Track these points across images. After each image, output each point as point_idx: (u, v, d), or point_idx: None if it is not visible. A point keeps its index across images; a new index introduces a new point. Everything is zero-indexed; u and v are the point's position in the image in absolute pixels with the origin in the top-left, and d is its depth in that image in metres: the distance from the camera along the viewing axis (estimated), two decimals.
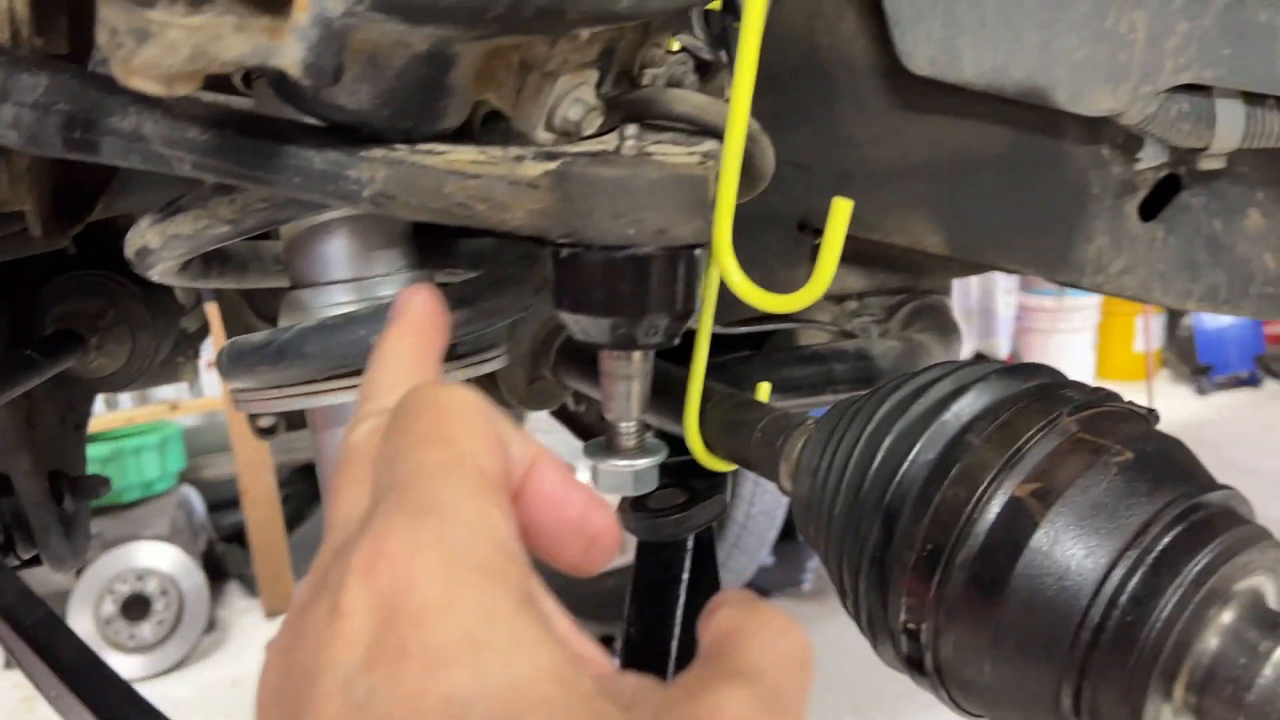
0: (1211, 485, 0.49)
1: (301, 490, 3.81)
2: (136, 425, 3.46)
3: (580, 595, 2.89)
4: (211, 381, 3.57)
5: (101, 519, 3.06)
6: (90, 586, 2.91)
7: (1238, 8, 0.85)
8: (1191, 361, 4.53)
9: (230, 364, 0.61)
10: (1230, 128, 0.90)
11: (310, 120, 0.49)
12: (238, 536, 3.52)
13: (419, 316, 0.42)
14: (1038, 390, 0.53)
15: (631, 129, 0.47)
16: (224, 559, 3.49)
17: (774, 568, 3.11)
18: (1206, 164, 0.95)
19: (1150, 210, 1.01)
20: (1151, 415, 0.55)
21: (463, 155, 0.47)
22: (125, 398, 3.52)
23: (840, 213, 0.50)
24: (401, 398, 0.34)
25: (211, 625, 3.17)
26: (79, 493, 0.99)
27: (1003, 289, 4.21)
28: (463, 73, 0.48)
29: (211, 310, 1.26)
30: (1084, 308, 4.34)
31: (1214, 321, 4.49)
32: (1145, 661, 0.45)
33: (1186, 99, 0.89)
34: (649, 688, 0.28)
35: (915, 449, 0.53)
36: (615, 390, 0.55)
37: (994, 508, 0.49)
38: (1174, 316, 4.65)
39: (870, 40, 0.91)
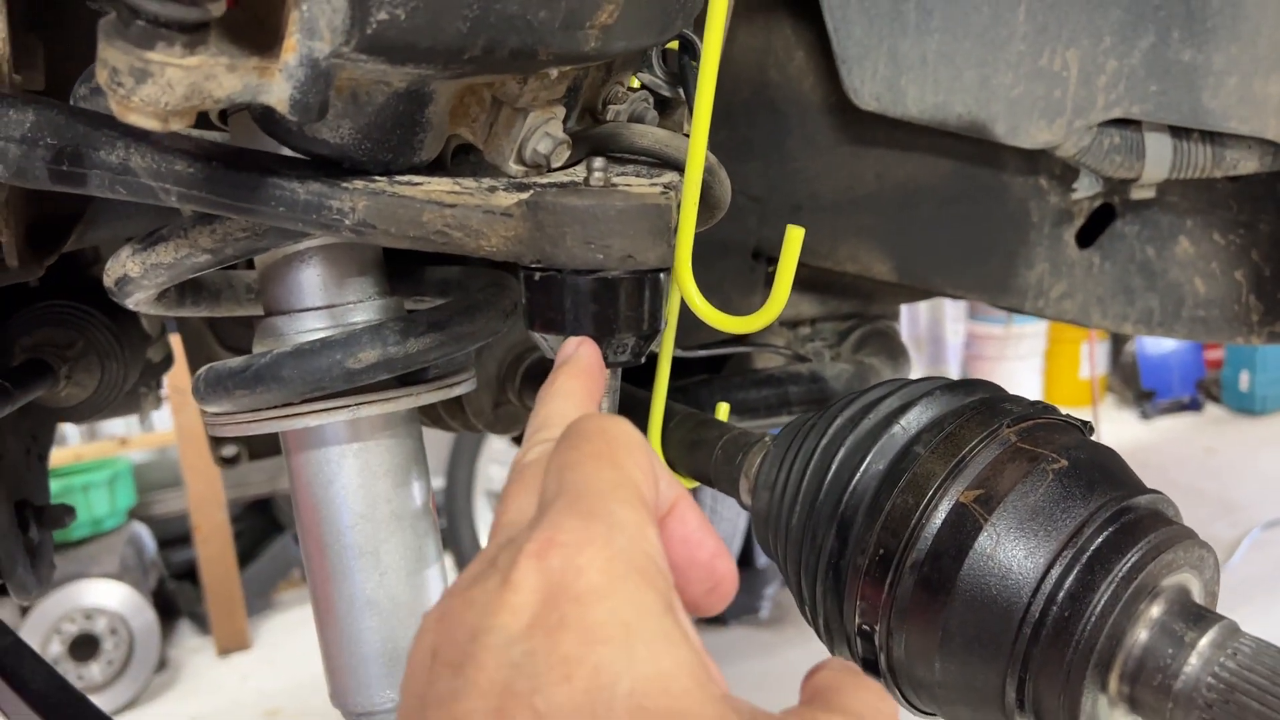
0: (1141, 489, 0.53)
1: (254, 526, 3.77)
2: (85, 462, 3.41)
3: None
4: (162, 416, 3.52)
5: None
6: (37, 626, 2.85)
7: (1162, 48, 0.91)
8: (1135, 387, 4.64)
9: (207, 388, 0.63)
10: (1158, 159, 0.95)
11: (293, 154, 0.52)
12: (189, 573, 3.48)
13: (585, 363, 0.47)
14: (980, 404, 0.56)
15: (599, 161, 0.51)
16: (175, 596, 3.44)
17: None
18: (1138, 194, 1.00)
19: (1087, 238, 1.07)
20: (1086, 427, 0.59)
21: (439, 186, 0.50)
22: (73, 434, 3.47)
23: (793, 239, 0.53)
24: (572, 424, 0.37)
25: (163, 664, 3.12)
26: (44, 522, 0.99)
27: (951, 317, 4.29)
28: (439, 108, 0.50)
29: (175, 340, 1.26)
30: (1031, 335, 4.44)
31: (1156, 348, 4.62)
32: (1081, 654, 0.48)
33: (1118, 132, 0.95)
34: (763, 712, 0.31)
35: (866, 460, 0.56)
36: None
37: (940, 513, 0.52)
38: (1118, 344, 4.77)
39: (819, 77, 0.96)
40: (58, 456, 3.34)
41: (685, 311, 0.63)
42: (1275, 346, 4.29)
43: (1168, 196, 1.06)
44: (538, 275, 0.49)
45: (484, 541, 2.65)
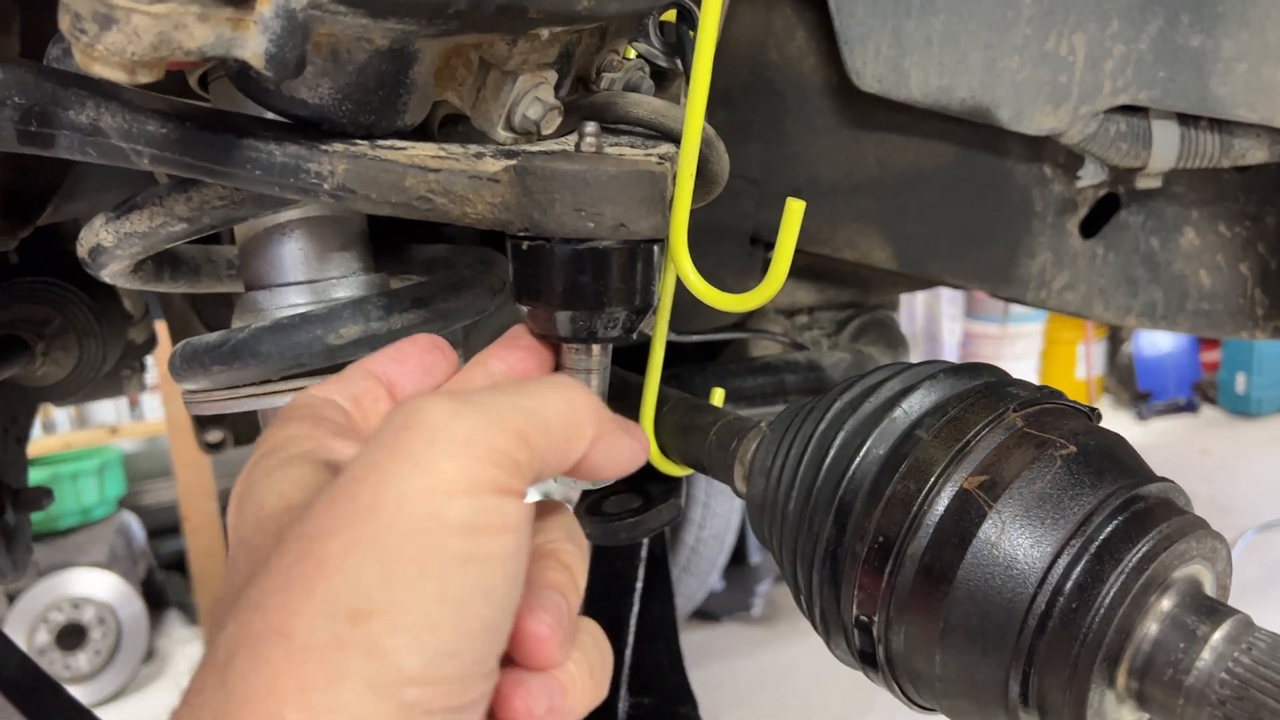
0: (1151, 477, 0.51)
1: None
2: (75, 450, 3.38)
3: None
4: (153, 405, 3.50)
5: (37, 546, 2.98)
6: (24, 615, 2.83)
7: (1170, 33, 0.89)
8: (1131, 388, 4.63)
9: (183, 364, 0.61)
10: (1166, 148, 0.93)
11: (271, 116, 0.50)
12: (179, 564, 3.45)
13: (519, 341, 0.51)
14: (984, 387, 0.54)
15: (591, 126, 0.48)
16: (164, 587, 3.41)
17: (723, 592, 3.11)
18: (1144, 183, 0.98)
19: (1091, 228, 1.05)
20: (1094, 413, 0.57)
21: (424, 150, 0.48)
22: (63, 422, 3.44)
23: (793, 212, 0.51)
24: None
25: (150, 654, 3.09)
26: (21, 505, 0.97)
27: (948, 315, 4.28)
28: (423, 69, 0.48)
29: (161, 327, 1.24)
30: (1027, 334, 4.43)
31: (1153, 349, 4.61)
32: (1089, 648, 0.46)
33: (1124, 119, 0.93)
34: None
35: (866, 445, 0.54)
36: None
37: (943, 500, 0.50)
38: (1114, 344, 4.75)
39: (819, 59, 0.94)
40: (47, 444, 3.32)
41: (680, 296, 0.61)
42: (1273, 349, 4.28)
43: (1174, 186, 1.04)
44: (525, 244, 0.47)
45: None
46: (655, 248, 0.49)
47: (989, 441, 0.51)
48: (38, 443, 3.31)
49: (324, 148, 0.47)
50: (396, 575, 0.29)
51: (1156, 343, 4.58)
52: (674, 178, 0.52)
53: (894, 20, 0.87)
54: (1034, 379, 4.42)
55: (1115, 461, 0.51)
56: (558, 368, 0.51)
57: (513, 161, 0.47)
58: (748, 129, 0.97)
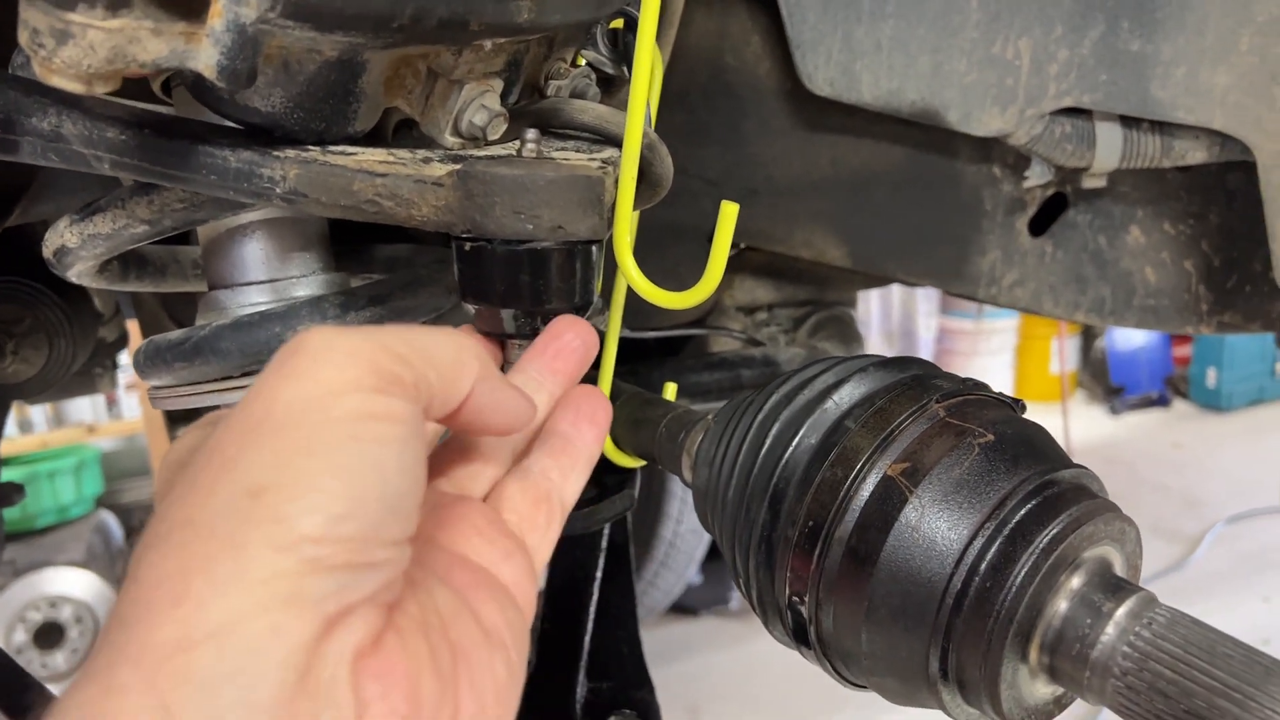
0: (1065, 464, 0.54)
1: None
2: (52, 449, 3.38)
3: None
4: (130, 404, 3.51)
5: (14, 545, 2.98)
6: (1, 614, 2.83)
7: (1111, 38, 0.92)
8: (1105, 383, 4.68)
9: (147, 360, 0.63)
10: (1109, 149, 0.96)
11: (227, 123, 0.52)
12: None
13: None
14: (911, 380, 0.57)
15: (531, 133, 0.51)
16: None
17: (701, 586, 3.14)
18: (1089, 183, 1.01)
19: (1039, 227, 1.08)
20: (1018, 404, 0.59)
21: (372, 156, 0.50)
22: (40, 421, 3.44)
23: (728, 215, 0.54)
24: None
25: None
26: None
27: (923, 311, 4.32)
28: (372, 79, 0.51)
29: (132, 325, 1.26)
30: (1002, 330, 4.47)
31: (1126, 344, 4.66)
32: (1002, 624, 0.49)
33: (1069, 121, 0.96)
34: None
35: (799, 435, 0.57)
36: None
37: (868, 486, 0.53)
38: (1088, 340, 4.81)
39: (775, 63, 0.96)
40: (24, 443, 3.32)
41: (636, 294, 0.64)
42: (1243, 345, 4.34)
43: (1119, 186, 1.07)
44: (468, 245, 0.49)
45: None
46: (594, 248, 0.52)
47: (912, 431, 0.54)
48: (14, 442, 3.31)
49: (276, 154, 0.49)
50: (289, 457, 0.32)
51: (1130, 338, 4.63)
52: (616, 182, 0.55)
53: (845, 26, 0.90)
54: (1009, 374, 4.46)
55: (1032, 449, 0.54)
56: (504, 365, 0.54)
57: (458, 166, 0.50)
58: (706, 131, 1.00)
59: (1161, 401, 4.64)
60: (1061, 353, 4.52)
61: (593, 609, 0.87)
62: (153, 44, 0.42)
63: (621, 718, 0.82)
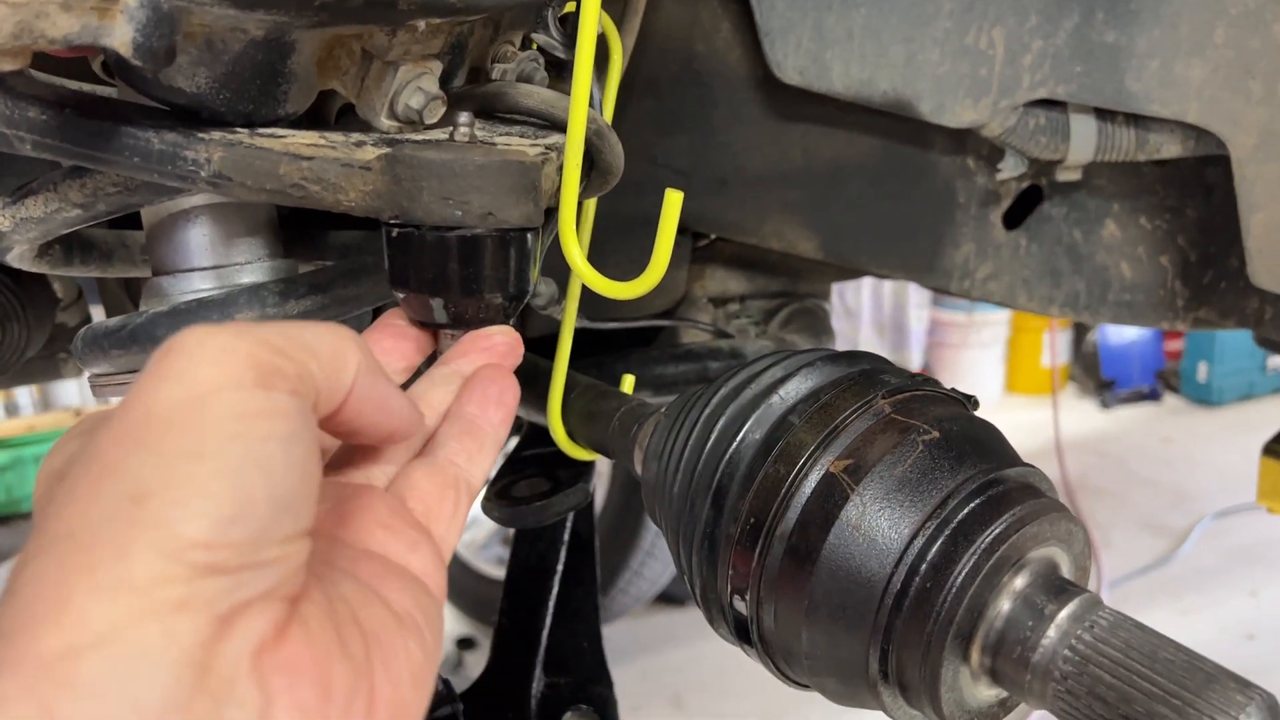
0: (1013, 462, 0.53)
1: None
2: (39, 433, 3.37)
3: (495, 604, 2.89)
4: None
5: (0, 529, 2.98)
6: None
7: (1086, 29, 0.90)
8: (1096, 376, 4.67)
9: (85, 347, 0.62)
10: (1083, 141, 0.95)
11: (151, 103, 0.51)
12: None
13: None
14: (859, 375, 0.56)
15: (464, 116, 0.49)
16: None
17: None
18: (1064, 175, 1.00)
19: (1014, 220, 1.06)
20: (970, 401, 0.58)
21: (301, 139, 0.49)
22: (27, 404, 3.43)
23: (672, 203, 0.52)
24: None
25: None
26: None
27: (914, 304, 4.31)
28: (303, 59, 0.49)
29: (98, 311, 1.24)
30: (993, 323, 4.46)
31: (1117, 338, 4.65)
32: (942, 625, 0.48)
33: (1043, 113, 0.94)
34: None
35: (744, 430, 0.55)
36: None
37: (810, 483, 0.52)
38: (1080, 333, 4.79)
39: (745, 50, 0.95)
40: (10, 427, 3.30)
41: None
42: (1234, 340, 4.33)
43: (1095, 180, 1.05)
44: (395, 231, 0.48)
45: None
46: (528, 235, 0.50)
47: (856, 426, 0.52)
48: (1, 425, 3.30)
49: (201, 135, 0.48)
50: (172, 461, 0.31)
51: (1121, 332, 4.62)
52: (559, 166, 0.53)
53: (815, 13, 0.88)
54: (1000, 367, 4.43)
55: (978, 446, 0.52)
56: (435, 355, 0.53)
57: (388, 149, 0.49)
58: (676, 120, 0.98)
59: (1153, 396, 4.64)
60: (1053, 346, 4.51)
61: (552, 603, 0.86)
62: (62, 19, 0.41)
63: (578, 713, 0.81)
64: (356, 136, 0.51)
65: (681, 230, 1.03)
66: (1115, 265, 1.08)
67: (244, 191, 0.48)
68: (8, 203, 0.58)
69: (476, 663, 2.95)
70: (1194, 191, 1.05)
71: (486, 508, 0.74)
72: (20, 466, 3.13)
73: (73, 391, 3.51)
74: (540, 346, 0.76)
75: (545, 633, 0.84)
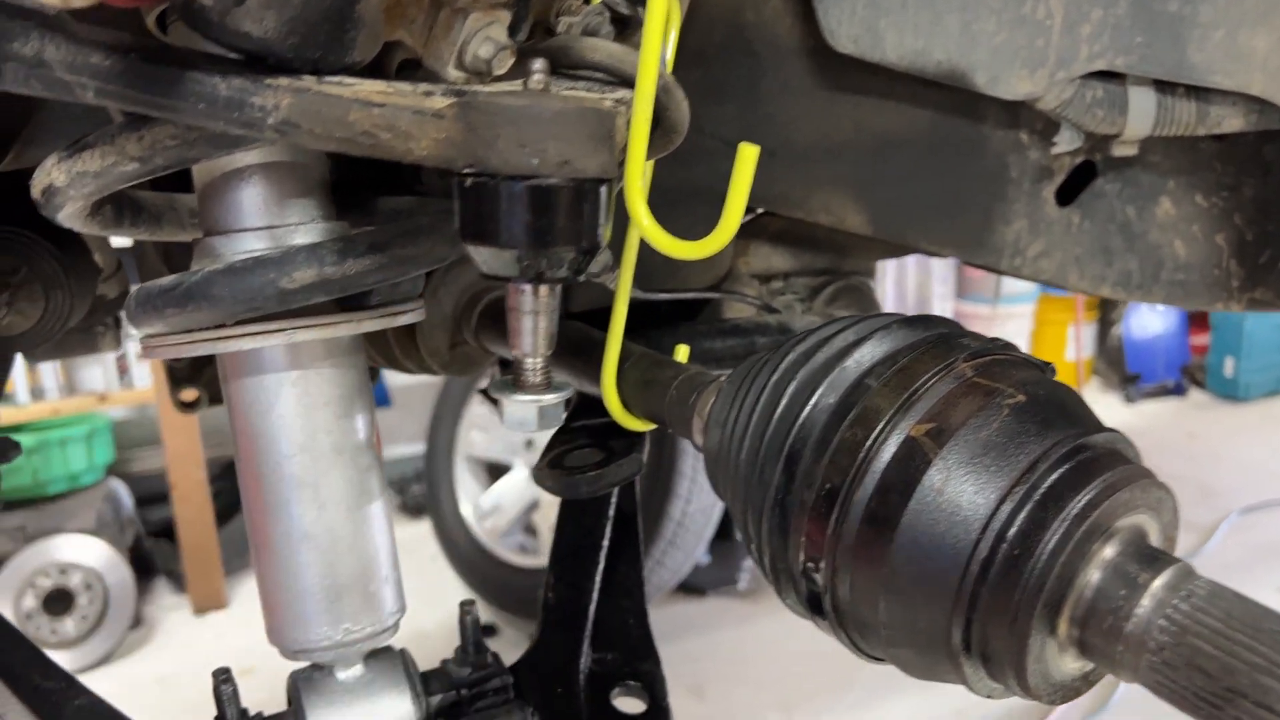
0: (1098, 428, 0.51)
1: (232, 485, 3.71)
2: (64, 416, 3.38)
3: (517, 591, 2.88)
4: (142, 373, 3.50)
5: (25, 511, 2.98)
6: (11, 580, 2.83)
7: None
8: (1120, 370, 4.63)
9: (138, 307, 0.61)
10: (1142, 115, 0.93)
11: (218, 50, 0.49)
12: (167, 531, 3.45)
13: None
14: (936, 339, 0.54)
15: (539, 63, 0.48)
16: (152, 554, 3.41)
17: (710, 566, 3.12)
18: (1120, 150, 0.97)
19: (1067, 196, 1.04)
20: (1048, 367, 0.56)
21: (370, 86, 0.47)
22: (52, 388, 3.44)
23: (746, 158, 0.50)
24: None
25: (138, 621, 3.10)
26: None
27: (938, 295, 4.28)
28: (371, 5, 0.48)
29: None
30: (1018, 315, 4.43)
31: (1142, 332, 4.61)
32: (1030, 594, 0.46)
33: (1101, 85, 0.92)
34: None
35: (816, 394, 0.54)
36: (521, 326, 0.55)
37: (889, 448, 0.50)
38: (1104, 326, 4.75)
39: (796, 19, 0.93)
40: (36, 411, 3.31)
41: (646, 253, 0.61)
42: (1262, 334, 4.28)
43: (1150, 155, 1.03)
44: (469, 181, 0.46)
45: (464, 507, 2.59)
46: (603, 188, 0.49)
47: (937, 390, 0.51)
48: (27, 409, 3.31)
49: (269, 82, 0.46)
50: None
51: (1146, 325, 4.58)
52: (628, 121, 0.52)
53: None
54: None
55: (1064, 411, 0.51)
56: (505, 309, 0.51)
57: (460, 99, 0.47)
58: (723, 89, 0.96)
59: (1178, 390, 4.59)
60: (1078, 339, 4.47)
61: (598, 578, 0.84)
62: None
63: (627, 690, 0.80)
64: (424, 87, 0.49)
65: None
66: (1169, 244, 1.06)
67: (311, 139, 0.47)
68: (63, 157, 0.56)
69: (499, 649, 2.95)
70: (1251, 169, 1.03)
71: (539, 477, 0.72)
72: (46, 450, 3.13)
73: (97, 376, 3.51)
74: (589, 319, 0.74)
75: (592, 608, 0.83)
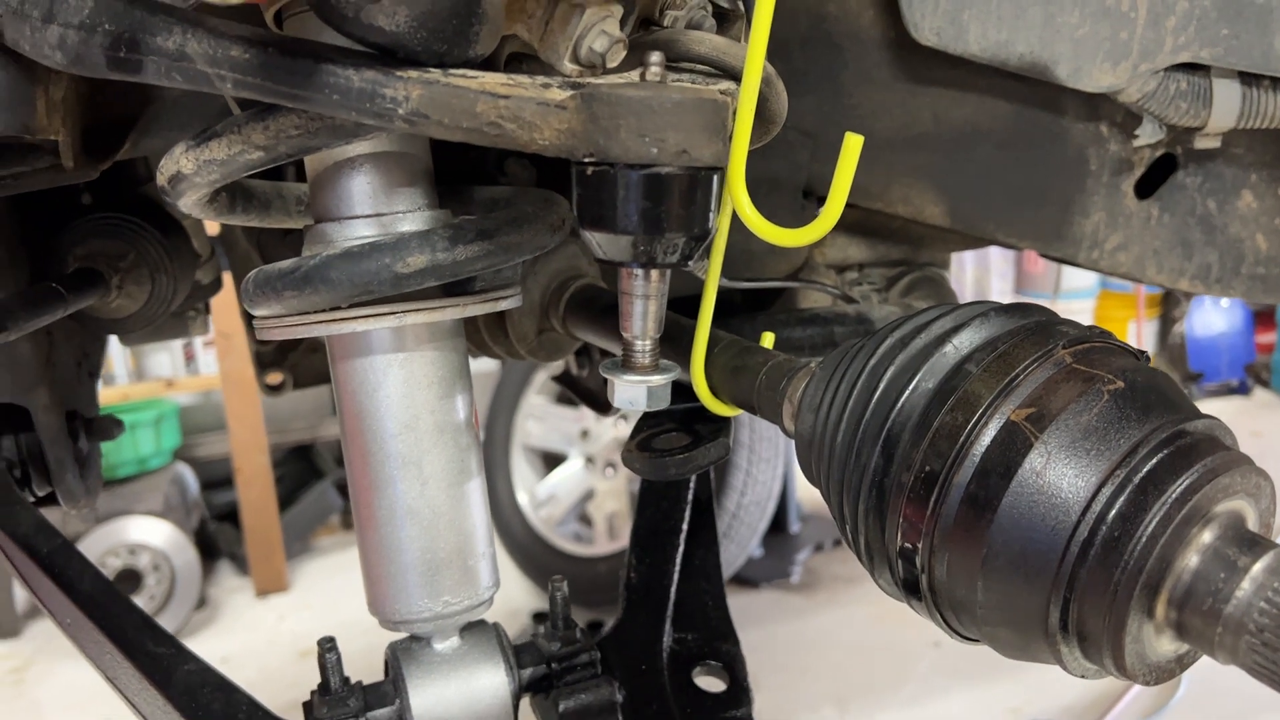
0: (1197, 414, 0.52)
1: (295, 471, 3.82)
2: (133, 402, 3.47)
3: (572, 580, 2.91)
4: (208, 360, 3.58)
5: None
6: None
7: None
8: (1183, 368, 4.56)
9: (256, 289, 0.63)
10: (1227, 107, 0.92)
11: (346, 44, 0.51)
12: (230, 515, 3.54)
13: None
14: (1035, 325, 0.55)
15: (655, 56, 0.50)
16: (216, 537, 3.50)
17: (763, 559, 3.14)
18: (1202, 143, 0.97)
19: (1146, 189, 1.04)
20: (1143, 355, 0.57)
21: (493, 79, 0.50)
22: (122, 374, 3.53)
23: (852, 147, 0.52)
24: None
25: (202, 602, 3.18)
26: (94, 433, 1.01)
27: (997, 290, 4.24)
28: (495, 0, 0.50)
29: (226, 278, 1.27)
30: (1078, 311, 4.37)
31: (1205, 329, 4.53)
32: (1130, 576, 0.47)
33: (1185, 77, 0.92)
34: None
35: (916, 379, 0.55)
36: (633, 309, 0.57)
37: (990, 431, 0.51)
38: (1166, 324, 4.68)
39: (878, 11, 0.94)
40: (106, 396, 3.40)
41: (732, 242, 0.62)
42: None
43: (1233, 148, 1.03)
44: (590, 170, 0.48)
45: (520, 496, 2.61)
46: (715, 176, 0.50)
47: (1037, 376, 0.52)
48: None
49: (400, 74, 0.49)
50: None
51: (1210, 323, 4.50)
52: (734, 112, 0.53)
53: None
54: None
55: (1162, 398, 0.52)
56: (617, 293, 0.53)
57: (579, 91, 0.49)
58: (804, 81, 0.98)
59: (1242, 389, 4.51)
60: (1139, 336, 4.41)
61: (678, 560, 0.86)
62: None
63: (707, 669, 0.82)
64: (540, 79, 0.51)
65: (805, 193, 1.03)
66: (1250, 237, 1.05)
67: (440, 130, 0.49)
68: (191, 145, 0.59)
69: None
70: None
71: (627, 459, 0.74)
72: None
73: (165, 363, 3.60)
74: (676, 306, 0.76)
75: (673, 589, 0.85)
